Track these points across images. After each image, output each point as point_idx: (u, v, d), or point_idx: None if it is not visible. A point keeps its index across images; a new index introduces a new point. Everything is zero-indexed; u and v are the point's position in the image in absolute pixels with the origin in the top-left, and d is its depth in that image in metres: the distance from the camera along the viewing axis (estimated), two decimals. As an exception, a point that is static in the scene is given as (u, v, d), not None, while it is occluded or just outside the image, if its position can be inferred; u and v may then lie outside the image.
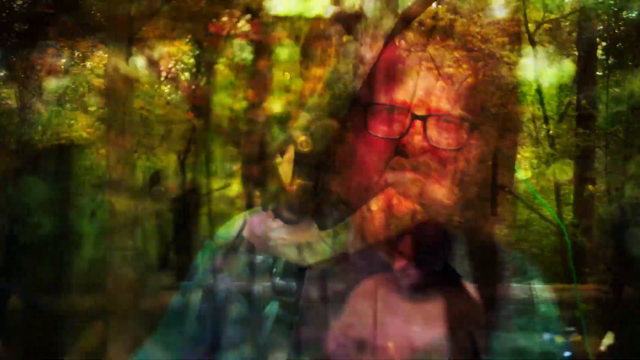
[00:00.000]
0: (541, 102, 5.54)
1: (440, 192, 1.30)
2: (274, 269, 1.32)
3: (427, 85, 1.29)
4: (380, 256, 1.34)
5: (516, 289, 1.41)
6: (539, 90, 5.57)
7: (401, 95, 1.29)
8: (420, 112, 1.26)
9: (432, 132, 1.26)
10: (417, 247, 1.35)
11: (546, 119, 5.63)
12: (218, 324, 1.34)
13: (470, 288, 1.34)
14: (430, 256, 1.35)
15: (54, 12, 4.23)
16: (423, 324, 1.33)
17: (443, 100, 1.29)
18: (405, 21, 1.66)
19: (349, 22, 1.40)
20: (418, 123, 1.26)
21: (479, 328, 1.34)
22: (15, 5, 4.57)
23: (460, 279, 1.32)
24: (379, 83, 1.33)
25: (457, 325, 1.32)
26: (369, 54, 1.35)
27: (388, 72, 1.34)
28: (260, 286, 1.35)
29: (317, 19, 1.44)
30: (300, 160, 1.37)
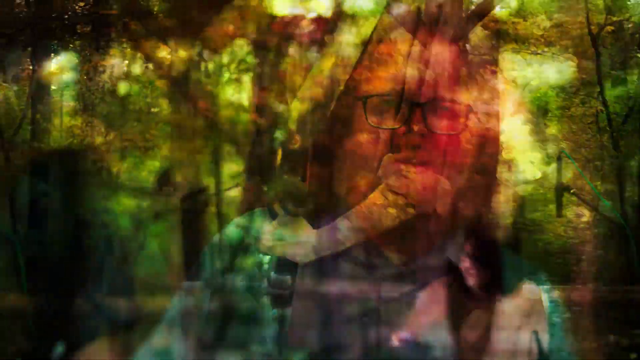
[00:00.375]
0: (604, 104, 5.46)
1: (441, 181, 1.31)
2: (269, 263, 1.35)
3: (423, 74, 1.31)
4: (376, 252, 1.36)
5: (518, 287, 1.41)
6: (601, 92, 5.49)
7: (398, 84, 1.31)
8: (418, 100, 1.28)
9: (432, 119, 1.28)
10: (415, 242, 1.36)
11: (610, 121, 5.54)
12: (226, 323, 1.36)
13: (472, 283, 1.35)
14: (429, 250, 1.36)
15: (116, 12, 4.28)
16: (422, 318, 1.34)
17: (441, 88, 1.31)
18: (473, 22, 1.67)
19: (414, 23, 1.41)
20: (417, 110, 1.28)
21: (482, 324, 1.35)
22: (77, 7, 4.64)
23: (461, 272, 1.33)
24: (375, 74, 1.34)
25: (460, 320, 1.33)
26: (438, 56, 1.36)
27: (385, 62, 1.36)
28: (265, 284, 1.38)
29: (382, 19, 1.45)
30: (288, 156, 1.39)
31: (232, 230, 1.45)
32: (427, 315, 1.35)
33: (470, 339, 1.33)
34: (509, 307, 1.37)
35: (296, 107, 1.40)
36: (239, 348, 1.36)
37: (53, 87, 5.00)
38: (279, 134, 1.44)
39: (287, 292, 1.34)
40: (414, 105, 1.28)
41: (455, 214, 1.35)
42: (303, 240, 1.35)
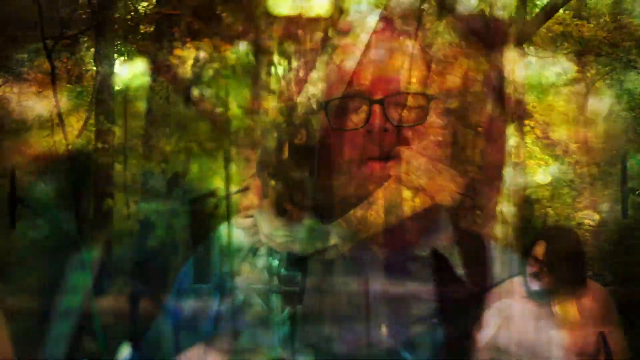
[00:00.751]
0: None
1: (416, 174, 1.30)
2: (278, 261, 1.34)
3: (382, 70, 1.29)
4: (375, 248, 1.35)
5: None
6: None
7: (356, 84, 1.29)
8: (377, 97, 1.26)
9: (393, 114, 1.26)
10: (400, 235, 1.35)
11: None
12: (235, 324, 1.36)
13: (460, 273, 1.33)
14: (414, 244, 1.35)
15: (179, 13, 4.34)
16: (415, 307, 1.32)
17: (399, 82, 1.29)
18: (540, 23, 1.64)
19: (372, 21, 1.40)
20: (377, 107, 1.26)
21: (470, 313, 1.33)
22: (140, 7, 4.72)
23: (450, 264, 1.32)
24: (336, 77, 1.33)
25: (450, 309, 1.31)
26: (394, 52, 1.35)
27: (345, 65, 1.35)
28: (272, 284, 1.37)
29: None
30: (294, 152, 1.37)
31: (236, 231, 1.46)
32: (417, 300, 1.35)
33: (459, 327, 1.33)
34: (578, 306, 1.36)
35: (302, 103, 1.40)
36: (249, 351, 1.37)
37: (117, 88, 5.08)
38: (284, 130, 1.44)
39: (297, 288, 1.34)
40: (373, 102, 1.28)
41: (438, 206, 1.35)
42: (313, 235, 1.36)
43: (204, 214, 1.52)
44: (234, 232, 1.46)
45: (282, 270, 1.36)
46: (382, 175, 1.30)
